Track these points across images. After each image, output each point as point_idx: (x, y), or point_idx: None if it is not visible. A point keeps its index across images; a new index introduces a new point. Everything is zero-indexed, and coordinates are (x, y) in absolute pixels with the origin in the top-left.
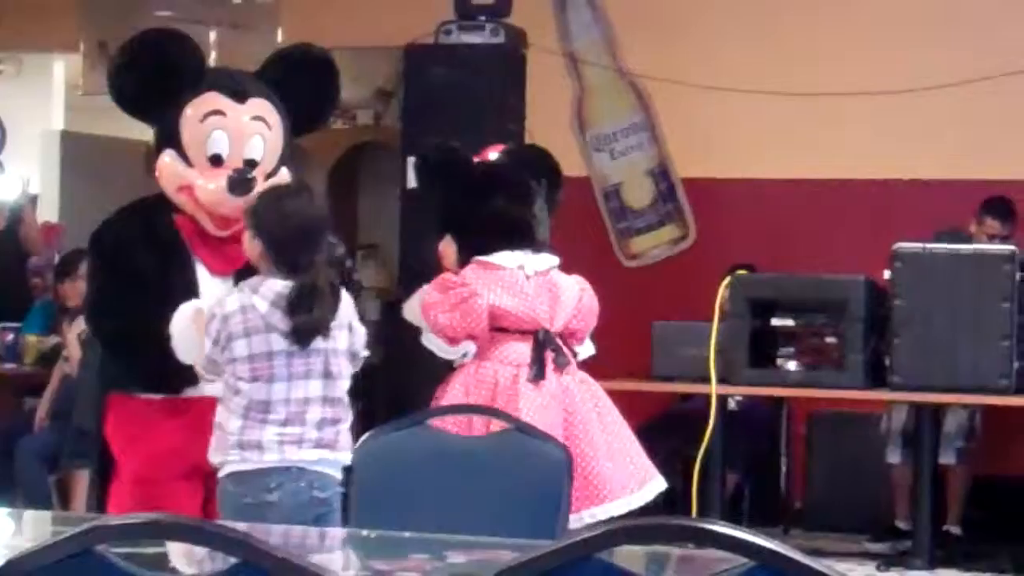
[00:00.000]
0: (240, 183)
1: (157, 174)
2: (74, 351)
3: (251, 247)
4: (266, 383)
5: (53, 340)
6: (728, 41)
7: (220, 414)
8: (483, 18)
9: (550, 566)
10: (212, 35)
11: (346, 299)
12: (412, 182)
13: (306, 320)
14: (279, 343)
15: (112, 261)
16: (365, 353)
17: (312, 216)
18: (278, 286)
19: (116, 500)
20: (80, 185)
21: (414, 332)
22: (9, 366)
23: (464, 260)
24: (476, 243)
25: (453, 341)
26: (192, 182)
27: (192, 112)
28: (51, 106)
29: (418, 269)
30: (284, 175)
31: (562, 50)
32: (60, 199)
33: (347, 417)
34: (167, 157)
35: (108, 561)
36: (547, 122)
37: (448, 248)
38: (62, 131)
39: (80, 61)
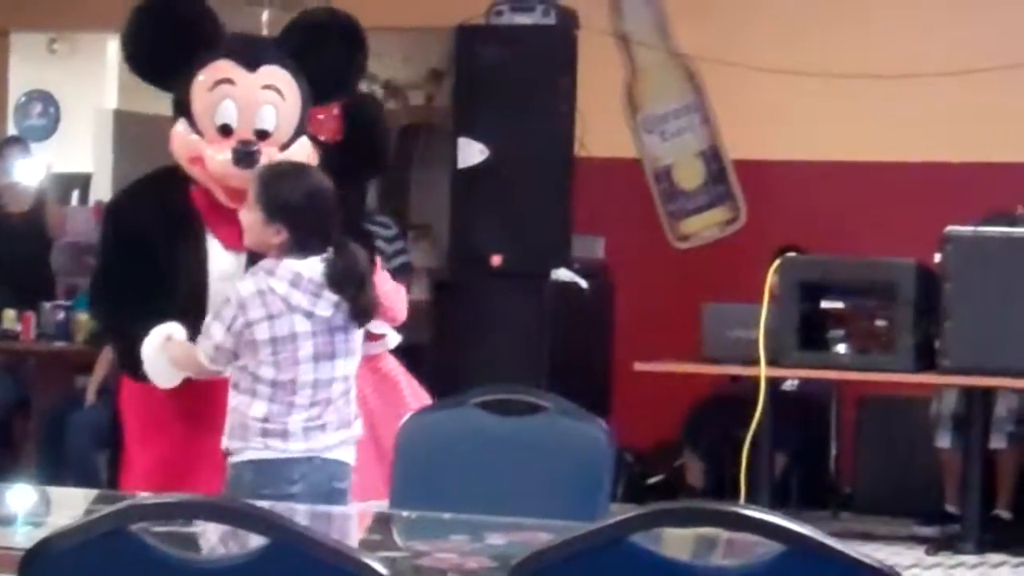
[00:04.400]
0: (245, 156)
1: (170, 144)
2: None
3: (266, 233)
4: (292, 365)
5: None
6: (779, 23)
7: (237, 399)
8: None
9: (585, 547)
10: (264, 15)
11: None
12: (463, 162)
13: (364, 299)
14: (302, 324)
15: (121, 234)
16: (386, 332)
17: (329, 191)
18: (296, 266)
19: (131, 483)
20: (133, 164)
21: (465, 314)
22: (60, 344)
23: None
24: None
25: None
26: (202, 152)
27: (202, 80)
28: (104, 85)
29: (469, 249)
30: (304, 145)
31: (613, 31)
32: (113, 178)
33: (355, 387)
34: (180, 126)
35: (141, 540)
36: (598, 103)
37: None
38: (115, 110)
39: None
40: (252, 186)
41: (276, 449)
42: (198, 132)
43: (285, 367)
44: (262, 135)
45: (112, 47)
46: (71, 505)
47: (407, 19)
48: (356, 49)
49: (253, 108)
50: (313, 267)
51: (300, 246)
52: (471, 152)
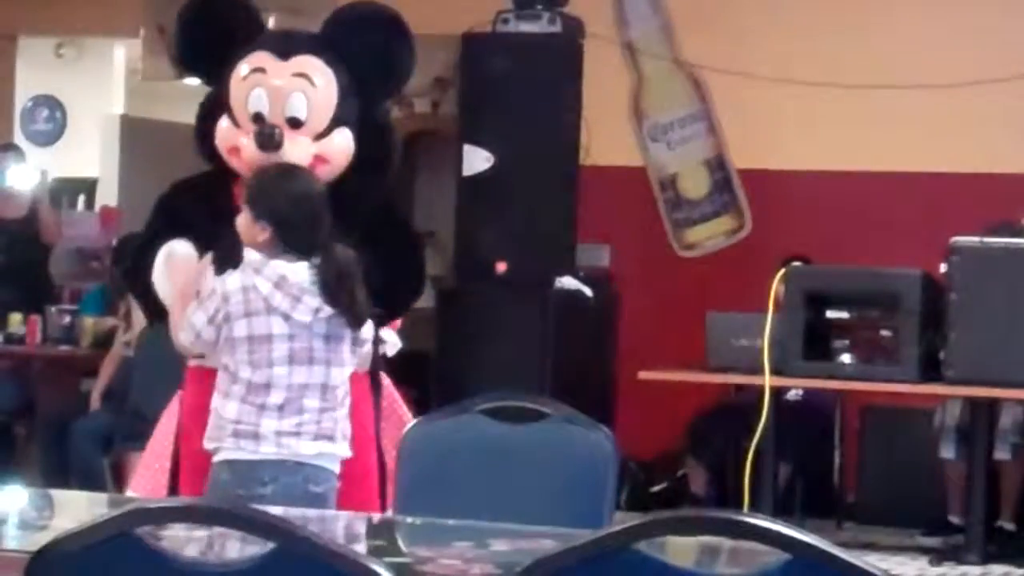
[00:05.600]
0: (266, 138)
1: (215, 139)
2: (139, 320)
3: (252, 230)
4: (266, 367)
5: (110, 322)
6: (785, 33)
7: (216, 399)
8: (540, 7)
9: (590, 555)
10: (271, 20)
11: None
12: (468, 169)
13: (357, 306)
14: (280, 326)
15: (165, 221)
16: (371, 341)
17: (319, 195)
18: (283, 268)
19: (186, 476)
20: (139, 169)
21: (470, 321)
22: (66, 348)
23: None
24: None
25: None
26: (237, 142)
27: (238, 72)
28: (111, 91)
29: (474, 257)
30: (345, 136)
31: (619, 40)
32: (119, 183)
33: (345, 402)
34: (223, 122)
35: (146, 544)
36: (604, 112)
37: None
38: (122, 116)
39: (140, 46)
40: (245, 186)
41: (248, 450)
42: (237, 125)
43: (259, 367)
44: (294, 123)
45: (119, 52)
46: (75, 509)
47: (413, 26)
48: (397, 41)
49: (283, 95)
50: (299, 271)
51: (284, 246)
52: (476, 160)
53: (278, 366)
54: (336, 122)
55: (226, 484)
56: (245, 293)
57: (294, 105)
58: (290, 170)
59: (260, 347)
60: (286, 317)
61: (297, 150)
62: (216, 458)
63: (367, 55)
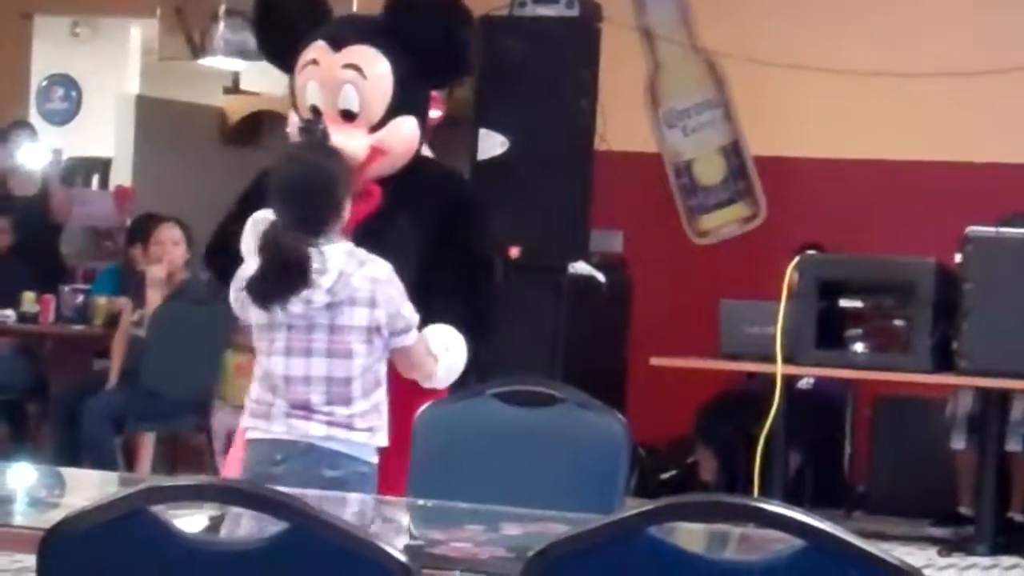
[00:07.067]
0: (308, 135)
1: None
2: (153, 300)
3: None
4: (266, 356)
5: (122, 302)
6: (802, 20)
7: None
8: None
9: (602, 539)
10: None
11: (368, 274)
12: (483, 153)
13: (249, 286)
14: (279, 316)
15: (240, 207)
16: (404, 330)
17: (324, 181)
18: None
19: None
20: (154, 149)
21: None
22: (78, 327)
23: None
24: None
25: None
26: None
27: (299, 63)
28: (127, 70)
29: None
30: (405, 124)
31: (636, 25)
32: (133, 163)
33: (370, 397)
34: (292, 115)
35: (160, 522)
36: (620, 97)
37: None
38: (137, 96)
39: (156, 26)
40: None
41: (261, 429)
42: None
43: (263, 356)
44: (348, 116)
45: (135, 32)
46: (87, 487)
47: None
48: (457, 26)
49: (333, 87)
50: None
51: (289, 228)
52: (491, 144)
53: (276, 356)
54: (394, 111)
55: (247, 462)
56: None
57: (346, 97)
58: (295, 155)
59: (263, 335)
60: (282, 306)
61: (351, 143)
62: (246, 437)
63: (427, 41)
